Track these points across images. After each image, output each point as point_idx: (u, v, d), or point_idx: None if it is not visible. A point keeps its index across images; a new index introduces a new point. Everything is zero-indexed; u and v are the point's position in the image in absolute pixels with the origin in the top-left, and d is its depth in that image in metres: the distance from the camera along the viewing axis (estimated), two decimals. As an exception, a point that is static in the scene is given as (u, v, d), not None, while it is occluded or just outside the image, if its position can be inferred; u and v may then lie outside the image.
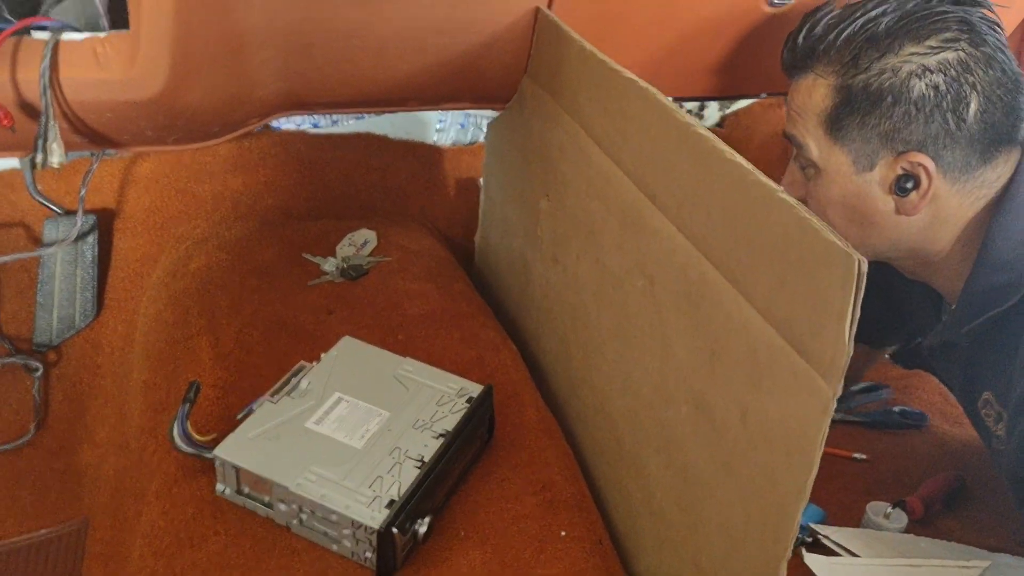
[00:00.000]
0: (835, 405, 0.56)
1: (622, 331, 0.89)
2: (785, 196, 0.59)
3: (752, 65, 1.13)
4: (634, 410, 0.87)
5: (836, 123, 0.87)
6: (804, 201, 0.79)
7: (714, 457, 0.73)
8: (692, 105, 1.66)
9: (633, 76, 0.81)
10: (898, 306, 1.08)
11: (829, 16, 0.88)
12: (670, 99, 0.77)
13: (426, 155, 1.50)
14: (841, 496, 1.05)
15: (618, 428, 0.92)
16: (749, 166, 0.63)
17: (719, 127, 1.69)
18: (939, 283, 0.94)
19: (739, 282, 0.67)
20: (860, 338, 0.55)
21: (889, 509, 0.98)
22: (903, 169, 0.85)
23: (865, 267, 0.52)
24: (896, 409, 1.22)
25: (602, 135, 0.90)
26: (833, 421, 1.11)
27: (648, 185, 0.80)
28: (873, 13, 0.85)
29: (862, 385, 1.27)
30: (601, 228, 0.92)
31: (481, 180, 1.36)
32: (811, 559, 0.88)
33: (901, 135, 0.84)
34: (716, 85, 1.19)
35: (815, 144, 0.89)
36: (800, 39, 0.90)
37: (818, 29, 0.89)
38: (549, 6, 1.03)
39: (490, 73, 1.10)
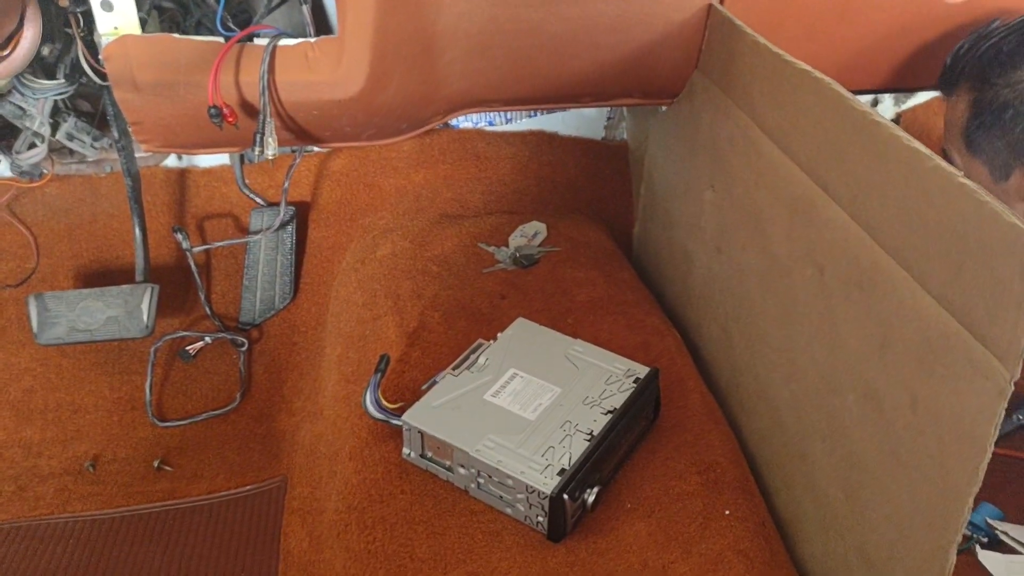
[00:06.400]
0: (1012, 389, 0.57)
1: (788, 319, 0.90)
2: (965, 180, 0.60)
3: (931, 58, 1.11)
4: (798, 398, 0.89)
5: (969, 136, 0.92)
6: None
7: (882, 445, 0.73)
8: (865, 99, 1.62)
9: (807, 67, 0.82)
10: None
11: (973, 38, 0.95)
12: (844, 89, 0.79)
13: (595, 150, 1.55)
14: (1022, 499, 1.02)
15: (781, 415, 0.93)
16: (928, 152, 0.64)
17: (895, 122, 1.64)
18: None
19: (914, 269, 0.67)
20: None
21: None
22: None
23: (1048, 251, 0.53)
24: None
25: (774, 127, 0.91)
26: (1021, 426, 1.08)
27: (820, 175, 0.82)
28: (1005, 32, 0.91)
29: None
30: (769, 218, 0.93)
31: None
32: (986, 557, 0.86)
33: None
34: (893, 78, 1.16)
35: (959, 157, 0.94)
36: (948, 59, 0.98)
37: (963, 50, 0.95)
38: (721, 2, 1.05)
39: (661, 69, 1.13)
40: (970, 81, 0.94)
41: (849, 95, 0.76)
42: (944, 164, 0.62)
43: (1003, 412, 0.58)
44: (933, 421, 0.65)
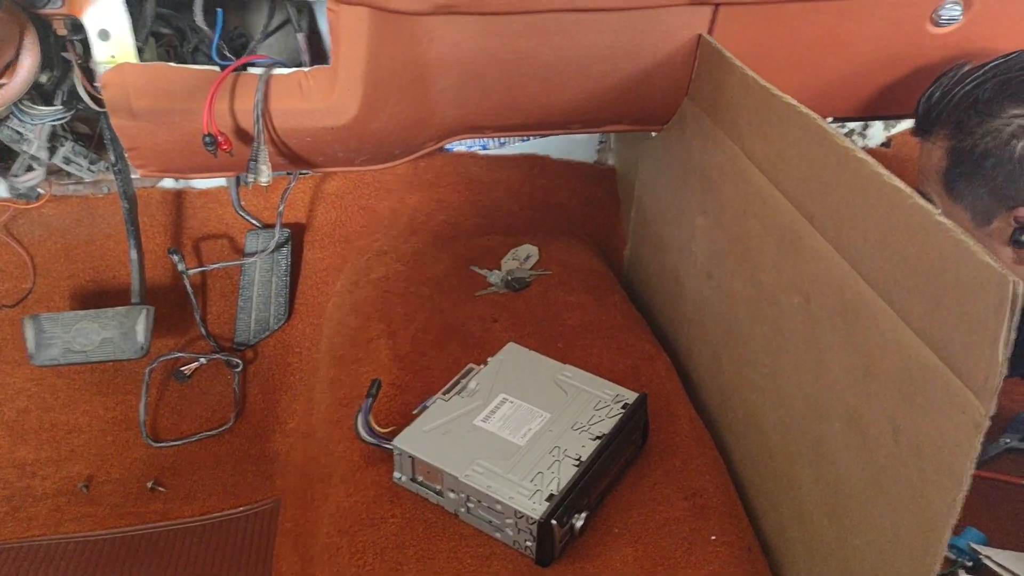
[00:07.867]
0: (988, 423, 0.58)
1: (775, 346, 0.92)
2: (942, 219, 0.61)
3: (918, 87, 1.13)
4: (786, 424, 0.90)
5: (950, 184, 0.93)
6: None
7: (865, 472, 0.74)
8: (855, 124, 1.64)
9: (793, 101, 0.84)
10: None
11: (945, 83, 0.95)
12: (830, 121, 0.80)
13: (587, 174, 1.57)
14: (1007, 523, 1.03)
15: (769, 440, 0.94)
16: (908, 190, 0.65)
17: (885, 146, 1.66)
18: None
19: (895, 302, 0.69)
20: (1017, 372, 0.57)
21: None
22: (1016, 222, 0.88)
23: (1021, 289, 0.54)
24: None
25: (761, 158, 0.93)
26: (1007, 449, 1.09)
27: (806, 207, 0.83)
28: (980, 80, 0.91)
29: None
30: (758, 246, 0.95)
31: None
32: (969, 582, 0.87)
33: (1008, 192, 0.88)
34: (880, 106, 1.18)
35: (939, 201, 0.95)
36: (921, 106, 0.98)
37: (935, 96, 0.96)
38: (710, 32, 1.07)
39: (651, 97, 1.15)
40: (945, 129, 0.94)
41: (834, 130, 0.77)
42: (923, 202, 0.63)
43: (980, 445, 0.59)
44: (914, 451, 0.67)
